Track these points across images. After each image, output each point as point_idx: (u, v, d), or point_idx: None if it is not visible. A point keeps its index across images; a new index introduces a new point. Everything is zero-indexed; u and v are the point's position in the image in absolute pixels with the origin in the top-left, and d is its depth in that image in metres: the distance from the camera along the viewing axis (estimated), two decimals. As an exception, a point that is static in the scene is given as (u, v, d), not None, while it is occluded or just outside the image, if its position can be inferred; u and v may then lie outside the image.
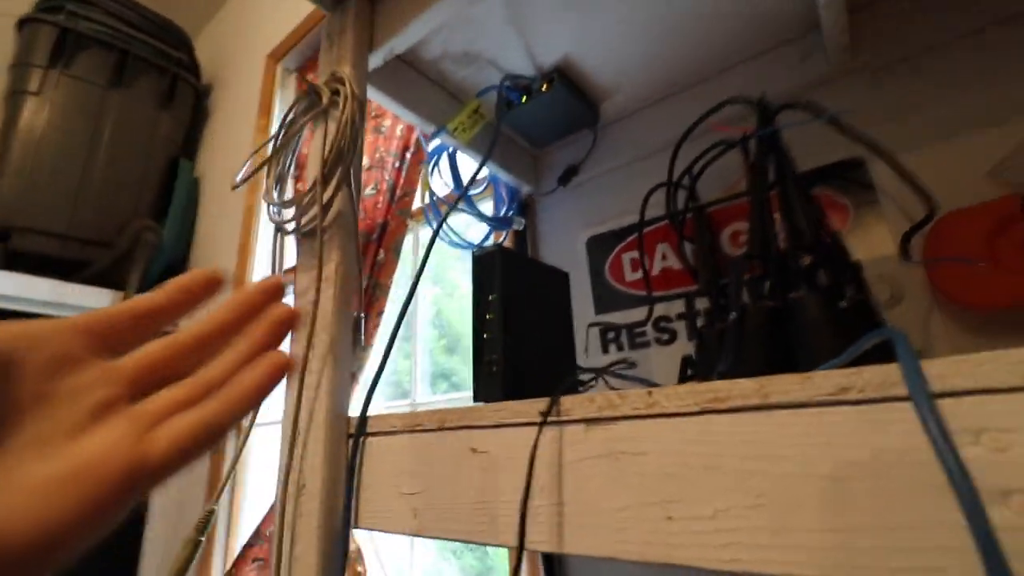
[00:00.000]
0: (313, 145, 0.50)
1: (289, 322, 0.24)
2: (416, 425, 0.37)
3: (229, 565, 1.09)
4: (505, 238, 0.85)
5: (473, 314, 0.47)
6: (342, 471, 0.40)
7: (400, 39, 0.53)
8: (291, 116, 0.53)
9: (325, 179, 0.44)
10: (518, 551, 0.27)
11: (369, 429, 0.40)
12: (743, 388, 0.24)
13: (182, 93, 2.15)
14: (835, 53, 0.58)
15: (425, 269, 0.47)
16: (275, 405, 1.22)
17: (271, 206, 0.51)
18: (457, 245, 0.79)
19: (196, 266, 1.99)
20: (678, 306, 0.70)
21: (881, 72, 0.60)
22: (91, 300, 1.57)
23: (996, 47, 0.53)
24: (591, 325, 0.76)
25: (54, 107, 1.78)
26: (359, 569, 0.84)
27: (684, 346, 0.68)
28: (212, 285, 0.23)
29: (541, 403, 0.30)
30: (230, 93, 2.24)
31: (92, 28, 1.90)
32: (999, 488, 0.18)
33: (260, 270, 1.65)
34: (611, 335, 0.75)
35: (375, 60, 0.56)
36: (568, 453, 0.29)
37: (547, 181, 0.85)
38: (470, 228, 0.92)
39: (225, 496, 1.38)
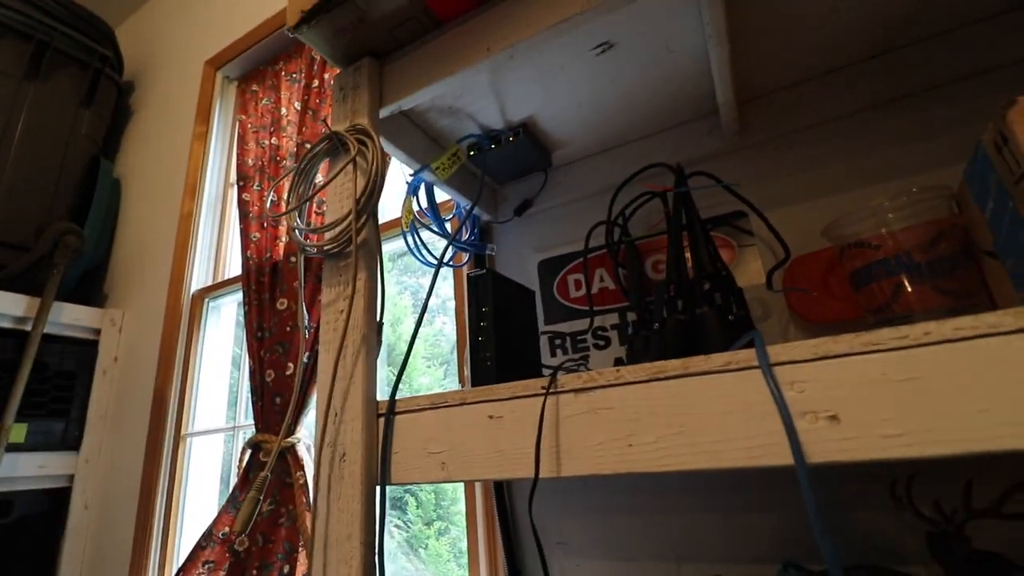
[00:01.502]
0: (340, 183, 0.61)
1: None
2: (441, 402, 0.50)
3: (176, 569, 1.11)
4: (469, 259, 0.99)
5: (469, 322, 0.60)
6: (377, 442, 0.52)
7: (407, 100, 0.66)
8: (311, 155, 0.64)
9: (359, 213, 0.56)
10: (534, 479, 0.42)
11: (397, 409, 0.53)
12: (674, 364, 0.40)
13: (104, 90, 2.06)
14: (728, 134, 0.79)
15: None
16: (209, 416, 1.28)
17: (297, 230, 0.61)
18: (427, 263, 0.92)
19: (117, 272, 1.91)
20: (612, 318, 0.88)
21: (759, 149, 0.82)
22: (5, 305, 1.48)
23: (832, 138, 0.76)
24: (542, 333, 0.92)
25: (-39, 96, 1.66)
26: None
27: (616, 350, 0.86)
28: None
29: (543, 381, 0.45)
30: (158, 94, 2.18)
31: (7, 15, 1.79)
32: (799, 411, 0.35)
33: (199, 278, 1.64)
34: (558, 341, 0.91)
35: (383, 113, 0.68)
36: (563, 412, 0.44)
37: (504, 211, 1.01)
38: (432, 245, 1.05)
39: (160, 500, 1.36)
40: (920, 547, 0.59)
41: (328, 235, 0.58)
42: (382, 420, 0.53)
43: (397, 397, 0.53)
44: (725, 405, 0.38)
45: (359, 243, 0.57)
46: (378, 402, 0.54)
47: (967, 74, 0.68)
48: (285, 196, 1.43)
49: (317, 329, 1.16)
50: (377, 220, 0.60)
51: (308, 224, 1.16)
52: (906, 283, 0.56)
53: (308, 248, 0.60)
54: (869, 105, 0.74)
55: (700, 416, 0.39)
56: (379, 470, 0.51)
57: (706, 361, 0.39)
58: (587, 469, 0.41)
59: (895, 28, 0.69)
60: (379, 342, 0.57)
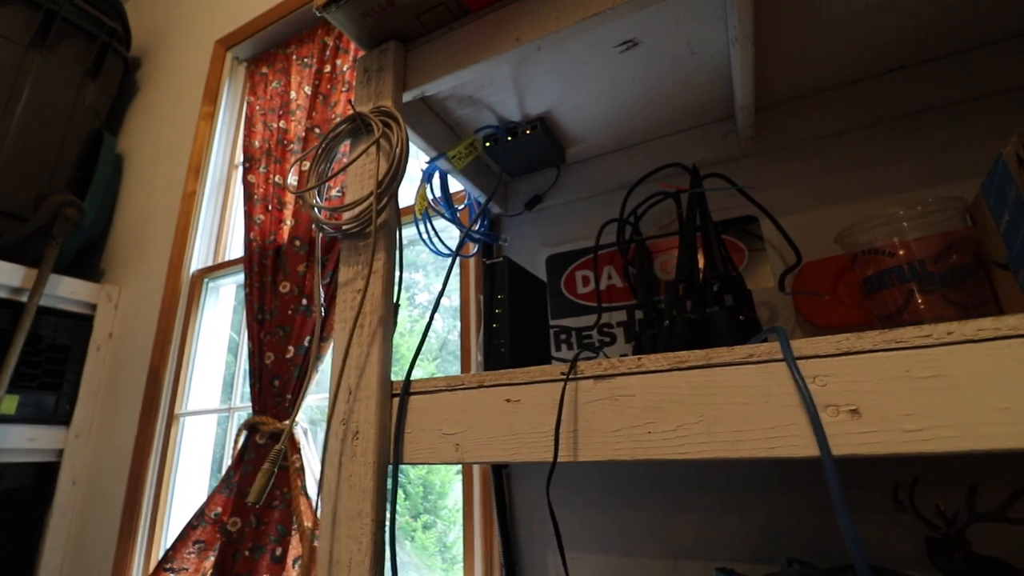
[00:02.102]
0: (362, 164, 0.61)
1: None
2: (458, 384, 0.50)
3: (165, 549, 1.10)
4: (477, 251, 0.99)
5: (484, 308, 0.61)
6: (391, 422, 0.52)
7: (431, 85, 0.66)
8: (334, 134, 0.64)
9: (381, 195, 0.56)
10: (552, 462, 0.42)
11: (412, 389, 0.53)
12: (697, 354, 0.40)
13: (111, 64, 2.04)
14: (744, 138, 0.80)
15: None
16: (204, 397, 1.28)
17: (316, 208, 0.61)
18: (438, 252, 0.92)
19: (115, 248, 1.89)
20: (618, 316, 0.88)
21: (773, 155, 0.83)
22: (1, 275, 1.46)
23: (846, 147, 0.77)
24: (548, 327, 0.92)
25: (-37, 60, 1.63)
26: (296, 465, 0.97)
27: (622, 347, 0.87)
28: None
29: (563, 366, 0.45)
30: (165, 71, 2.16)
31: (17, -17, 1.76)
32: (821, 404, 0.36)
33: (199, 258, 1.63)
34: (563, 336, 0.92)
35: (406, 97, 0.68)
36: (582, 398, 0.44)
37: (515, 205, 1.01)
38: (442, 233, 1.05)
39: (151, 479, 1.35)
40: (918, 552, 0.60)
41: (348, 215, 0.58)
42: (396, 400, 0.53)
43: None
44: (746, 396, 0.38)
45: (379, 224, 0.57)
46: (392, 382, 0.54)
47: (981, 94, 0.70)
48: (303, 177, 1.43)
49: (325, 313, 1.15)
50: (398, 203, 0.60)
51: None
52: (917, 292, 0.57)
53: (326, 227, 0.60)
54: (884, 118, 0.75)
55: (720, 406, 0.39)
56: (392, 449, 0.51)
57: (729, 352, 0.40)
58: (604, 454, 0.42)
59: (913, 44, 0.70)
60: (394, 323, 0.57)
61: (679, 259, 0.74)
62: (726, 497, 0.72)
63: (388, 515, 0.48)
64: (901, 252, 0.59)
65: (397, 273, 0.59)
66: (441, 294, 0.58)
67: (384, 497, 0.50)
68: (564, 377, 0.45)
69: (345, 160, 0.62)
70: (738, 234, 0.84)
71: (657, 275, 0.90)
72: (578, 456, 0.42)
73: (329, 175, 0.60)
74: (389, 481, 0.50)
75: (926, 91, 0.73)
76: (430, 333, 0.58)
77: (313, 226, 1.23)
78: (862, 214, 0.74)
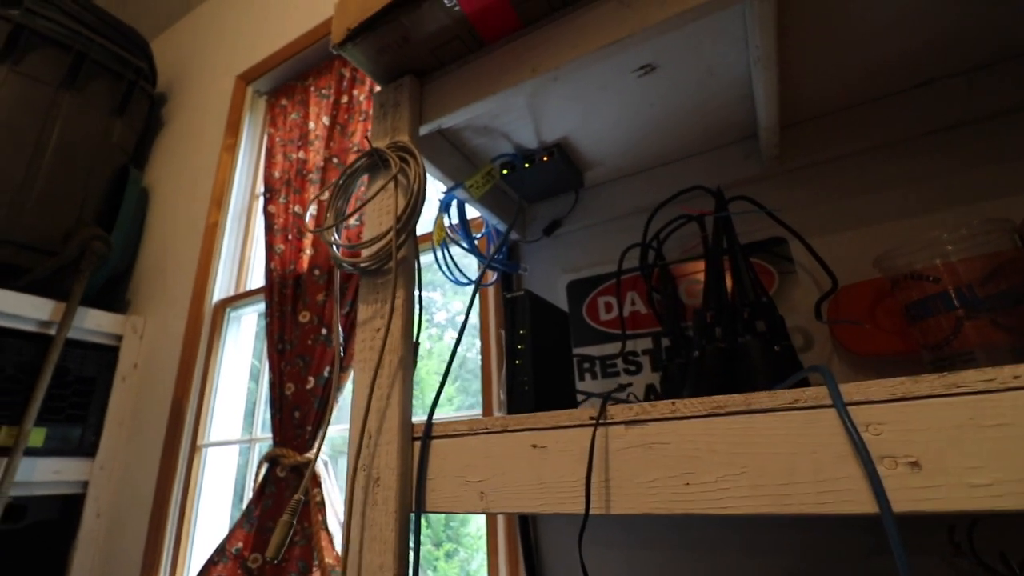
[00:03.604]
0: (380, 200, 0.61)
1: None
2: (481, 428, 0.48)
3: (187, 585, 1.09)
4: (496, 279, 0.98)
5: (505, 344, 0.59)
6: (411, 467, 0.50)
7: (447, 119, 0.66)
8: (351, 170, 0.64)
9: (400, 231, 0.55)
10: (584, 515, 0.40)
11: (434, 433, 0.51)
12: (736, 399, 0.38)
13: (137, 101, 2.11)
14: (767, 158, 0.78)
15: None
16: (226, 428, 1.27)
17: (334, 245, 0.61)
18: (457, 282, 0.91)
19: (141, 279, 1.93)
20: (643, 343, 0.85)
21: (798, 175, 0.80)
22: (28, 309, 1.50)
23: (880, 165, 0.75)
24: (571, 359, 0.90)
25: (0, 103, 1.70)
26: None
27: (648, 376, 0.84)
28: None
29: (591, 410, 0.43)
30: (189, 106, 2.23)
31: (49, 27, 1.84)
32: (876, 455, 0.33)
33: (221, 287, 1.65)
34: (586, 365, 0.89)
35: (423, 131, 0.68)
36: (612, 445, 0.42)
37: (533, 230, 1.00)
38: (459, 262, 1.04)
39: (173, 511, 1.35)
40: (980, 600, 0.55)
41: (366, 252, 0.57)
42: (417, 444, 0.51)
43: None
44: (791, 446, 0.36)
45: (399, 260, 0.56)
46: (413, 424, 0.53)
47: (1019, 106, 0.67)
48: (322, 209, 1.44)
49: (344, 344, 1.15)
50: (416, 239, 0.59)
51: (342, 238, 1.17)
52: (966, 318, 0.53)
53: (345, 264, 0.60)
54: (916, 134, 0.72)
55: (764, 456, 0.36)
56: (413, 496, 0.49)
57: (771, 398, 0.37)
58: (639, 507, 0.39)
59: (943, 56, 0.68)
60: (415, 363, 0.56)
61: (706, 284, 0.71)
62: (753, 538, 0.69)
63: (412, 568, 0.46)
64: (945, 276, 0.56)
65: (417, 310, 0.58)
66: (461, 333, 0.57)
67: (407, 547, 0.48)
68: (593, 422, 0.42)
69: (363, 193, 0.62)
70: (766, 257, 0.81)
71: (682, 300, 0.87)
72: (611, 509, 0.40)
73: (347, 213, 0.60)
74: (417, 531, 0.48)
75: (959, 105, 0.70)
76: (447, 351, 0.56)
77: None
78: (898, 234, 0.71)
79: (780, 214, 0.79)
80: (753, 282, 0.70)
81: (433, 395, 0.55)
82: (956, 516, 0.56)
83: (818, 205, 0.77)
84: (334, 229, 0.62)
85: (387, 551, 0.46)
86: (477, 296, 1.07)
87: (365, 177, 0.66)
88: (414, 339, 0.56)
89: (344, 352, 1.14)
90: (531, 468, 0.45)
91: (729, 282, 0.69)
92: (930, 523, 0.59)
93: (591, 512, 0.40)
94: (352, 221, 1.27)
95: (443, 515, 1.92)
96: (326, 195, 1.36)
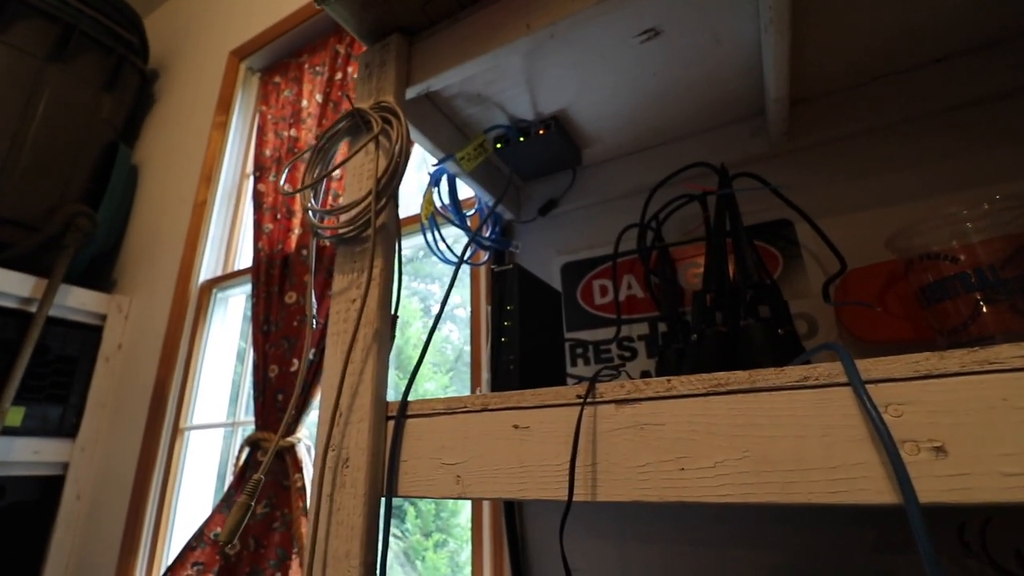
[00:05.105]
0: (357, 163, 0.57)
1: None
2: (459, 407, 0.44)
3: (163, 569, 1.05)
4: (488, 258, 0.93)
5: (492, 321, 0.55)
6: (384, 448, 0.46)
7: (436, 80, 0.62)
8: (331, 133, 0.60)
9: (379, 195, 0.51)
10: (567, 502, 0.36)
11: (409, 412, 0.47)
12: (738, 376, 0.34)
13: (127, 76, 2.05)
14: (775, 136, 0.74)
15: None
16: (211, 410, 1.23)
17: (311, 212, 0.57)
18: (444, 259, 0.87)
19: (129, 258, 1.89)
20: (640, 328, 0.82)
21: (808, 153, 0.76)
22: (9, 285, 1.45)
23: (893, 142, 0.71)
24: (563, 341, 0.86)
25: (-18, 73, 1.65)
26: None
27: (643, 363, 0.80)
28: None
29: (579, 388, 0.39)
30: (180, 82, 2.17)
31: (37, -2, 1.78)
32: (899, 439, 0.29)
33: (208, 267, 1.61)
34: (579, 350, 0.85)
35: (410, 93, 0.63)
36: (601, 426, 0.38)
37: (527, 210, 0.96)
38: (450, 241, 1.00)
39: (153, 495, 1.31)
40: (991, 603, 0.52)
41: (344, 218, 0.53)
42: (391, 423, 0.47)
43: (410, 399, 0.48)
44: (800, 428, 0.32)
45: (377, 227, 0.52)
46: (388, 403, 0.49)
47: (1047, 79, 0.63)
48: (302, 177, 1.40)
49: (325, 324, 1.11)
50: (397, 205, 0.55)
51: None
52: (986, 302, 0.49)
53: (322, 232, 0.56)
54: (933, 111, 0.68)
55: (769, 439, 0.33)
56: (385, 479, 0.45)
57: (777, 375, 0.33)
58: (628, 495, 0.35)
59: (961, 30, 0.63)
60: (392, 337, 0.52)
61: (707, 265, 0.67)
62: (754, 532, 0.65)
63: (380, 557, 0.42)
64: (963, 257, 0.52)
65: (396, 282, 0.54)
66: (444, 304, 0.53)
67: (376, 534, 0.44)
68: (581, 401, 0.39)
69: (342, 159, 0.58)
70: (771, 239, 0.77)
71: (682, 285, 0.83)
72: (597, 495, 0.36)
73: (325, 173, 0.56)
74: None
75: (979, 80, 0.66)
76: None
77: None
78: (911, 216, 0.67)
79: (787, 193, 0.75)
80: (757, 264, 0.66)
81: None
82: (974, 510, 0.53)
83: (827, 186, 0.73)
84: (311, 196, 0.58)
85: (354, 537, 0.43)
86: (467, 275, 1.03)
87: (348, 141, 0.62)
88: (393, 312, 0.52)
89: (325, 331, 1.10)
90: (512, 450, 0.41)
91: (731, 266, 0.66)
92: (938, 519, 0.55)
93: (575, 499, 0.37)
94: (341, 201, 1.23)
95: (433, 504, 1.88)
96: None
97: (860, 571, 0.59)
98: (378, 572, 0.42)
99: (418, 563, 1.81)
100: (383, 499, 0.45)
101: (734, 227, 0.66)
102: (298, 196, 0.56)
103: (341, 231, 0.54)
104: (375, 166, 0.53)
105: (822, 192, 0.73)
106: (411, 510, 1.91)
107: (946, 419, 0.29)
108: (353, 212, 0.53)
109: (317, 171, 0.60)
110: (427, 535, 1.86)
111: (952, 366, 0.29)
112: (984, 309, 0.50)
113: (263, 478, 0.45)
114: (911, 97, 0.69)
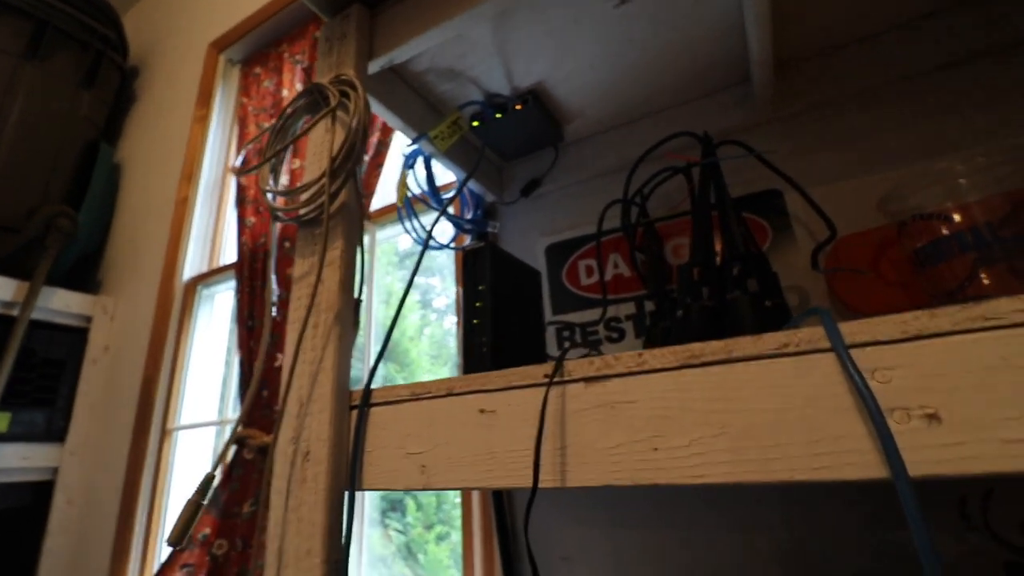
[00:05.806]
0: (317, 140, 0.53)
1: None
2: (424, 393, 0.42)
3: (155, 570, 1.04)
4: (471, 242, 0.90)
5: (464, 302, 0.52)
6: (347, 439, 0.44)
7: (400, 51, 0.58)
8: (291, 111, 0.56)
9: (334, 173, 0.48)
10: (532, 489, 0.33)
11: (373, 400, 0.44)
12: (713, 347, 0.31)
13: (106, 73, 2.01)
14: (761, 102, 0.70)
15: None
16: (199, 410, 1.19)
17: (269, 194, 0.54)
18: (419, 241, 0.84)
19: (113, 258, 1.86)
20: (627, 308, 0.79)
21: (796, 120, 0.73)
22: (-9, 288, 1.42)
23: (884, 105, 0.67)
24: (549, 323, 0.83)
25: (-46, 73, 1.61)
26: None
27: (632, 343, 0.77)
28: None
29: (546, 367, 0.36)
30: (161, 78, 2.13)
31: (6, -6, 1.74)
32: (887, 407, 0.27)
33: (193, 264, 1.58)
34: (566, 333, 0.83)
35: (373, 67, 0.60)
36: (570, 406, 0.35)
37: (510, 191, 0.92)
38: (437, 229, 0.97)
39: (143, 497, 1.30)
40: (995, 579, 0.49)
41: (303, 197, 0.50)
42: (355, 413, 0.45)
43: (374, 387, 0.45)
44: (780, 400, 0.29)
45: (336, 205, 0.49)
46: (352, 392, 0.46)
47: (1045, 29, 0.59)
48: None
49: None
50: (358, 183, 0.52)
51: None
52: (983, 263, 0.46)
53: (279, 214, 0.53)
54: (922, 70, 0.65)
55: (747, 413, 0.30)
56: (348, 473, 0.43)
57: (755, 343, 0.30)
58: (599, 478, 0.33)
59: (961, -24, 0.60)
60: (356, 322, 0.49)
61: (692, 239, 0.64)
62: (747, 516, 0.63)
63: (344, 553, 0.40)
64: (958, 217, 0.49)
65: (359, 264, 0.51)
66: (410, 285, 0.50)
67: (339, 530, 0.41)
68: (547, 380, 0.36)
69: (302, 137, 0.54)
70: (761, 210, 0.74)
71: (669, 261, 0.80)
72: (566, 481, 0.34)
73: (275, 152, 0.52)
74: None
75: (969, 36, 0.62)
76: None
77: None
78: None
79: (775, 161, 0.72)
80: (744, 236, 0.63)
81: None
82: (974, 482, 0.50)
83: (814, 153, 0.70)
84: (270, 179, 0.55)
85: (315, 534, 0.40)
86: (453, 260, 1.00)
87: (308, 118, 0.59)
88: (356, 296, 0.50)
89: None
90: (478, 436, 0.38)
91: (718, 240, 0.63)
92: (937, 493, 0.53)
93: (543, 485, 0.34)
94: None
95: (435, 496, 1.87)
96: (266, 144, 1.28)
97: (859, 549, 0.56)
98: (342, 572, 0.39)
99: (420, 556, 1.80)
100: (347, 494, 0.42)
101: (720, 197, 0.63)
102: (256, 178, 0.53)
103: (301, 212, 0.51)
104: (331, 142, 0.50)
105: (810, 160, 0.70)
106: (411, 503, 1.89)
107: (939, 383, 0.26)
108: (310, 192, 0.50)
109: (276, 150, 0.57)
110: (428, 528, 1.84)
111: (944, 325, 0.26)
112: (981, 270, 0.47)
113: (215, 475, 0.43)
114: (897, 56, 0.65)
